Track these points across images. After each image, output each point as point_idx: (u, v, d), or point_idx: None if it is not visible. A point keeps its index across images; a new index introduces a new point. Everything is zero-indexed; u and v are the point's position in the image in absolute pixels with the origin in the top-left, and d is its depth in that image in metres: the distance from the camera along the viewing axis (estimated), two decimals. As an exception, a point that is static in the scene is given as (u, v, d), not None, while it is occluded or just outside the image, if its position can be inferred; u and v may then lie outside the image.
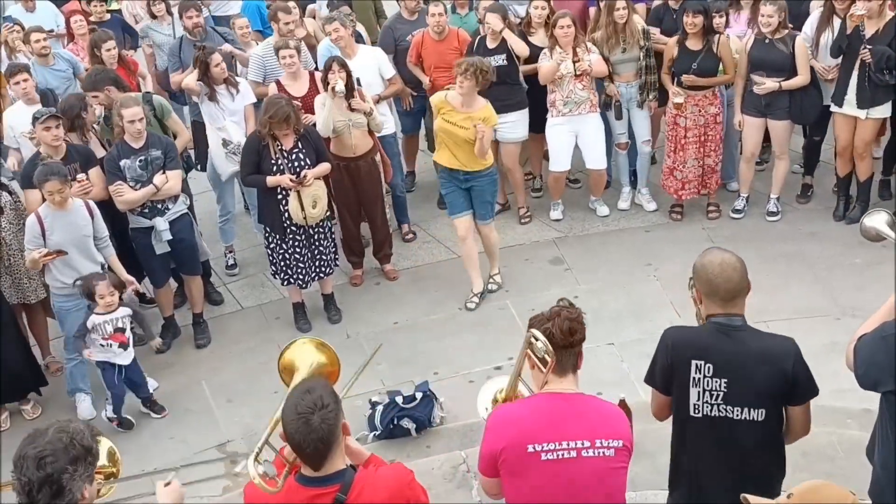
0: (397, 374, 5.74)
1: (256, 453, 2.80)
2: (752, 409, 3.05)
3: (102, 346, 5.31)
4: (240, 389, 5.82)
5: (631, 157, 7.46)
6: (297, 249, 6.14)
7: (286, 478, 2.66)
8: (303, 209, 5.95)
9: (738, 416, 3.06)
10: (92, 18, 8.41)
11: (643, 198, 7.50)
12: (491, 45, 6.96)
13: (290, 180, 5.86)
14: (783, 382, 3.03)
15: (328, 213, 6.21)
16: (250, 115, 6.79)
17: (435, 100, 6.23)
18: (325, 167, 6.10)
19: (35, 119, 5.74)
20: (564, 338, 2.83)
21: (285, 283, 6.32)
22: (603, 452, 2.80)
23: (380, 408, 5.27)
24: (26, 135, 6.16)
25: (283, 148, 5.95)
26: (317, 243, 6.18)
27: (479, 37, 7.05)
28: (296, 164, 5.96)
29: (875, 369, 2.95)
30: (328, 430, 2.52)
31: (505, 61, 6.93)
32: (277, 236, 6.12)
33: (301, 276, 6.22)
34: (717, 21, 6.85)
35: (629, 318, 6.13)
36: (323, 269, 6.27)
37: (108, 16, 8.62)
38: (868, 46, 6.27)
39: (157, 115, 6.33)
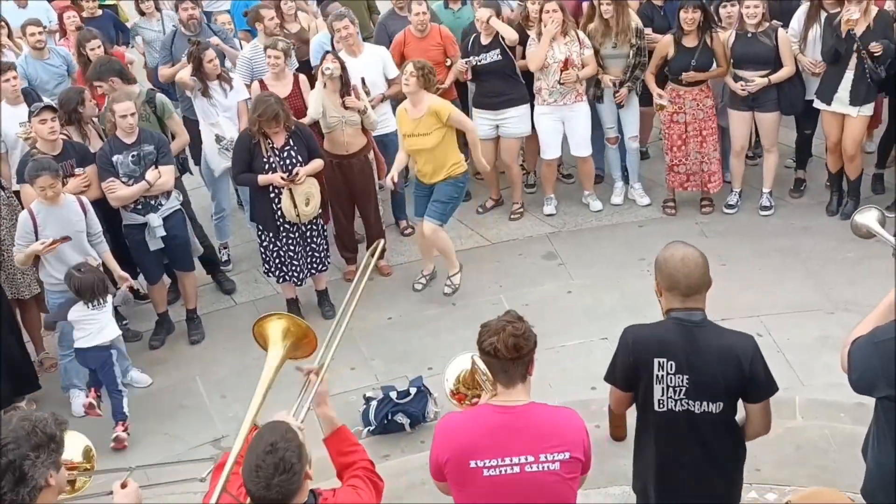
0: (391, 370, 5.74)
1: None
2: (710, 403, 3.09)
3: (87, 327, 5.24)
4: (234, 385, 5.81)
5: (622, 151, 7.47)
6: (291, 247, 6.13)
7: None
8: (295, 207, 5.94)
9: (698, 409, 3.10)
10: (84, 14, 8.37)
11: (636, 192, 7.51)
12: (485, 41, 6.96)
13: (282, 178, 5.85)
14: (740, 379, 3.06)
15: (321, 211, 6.20)
16: (244, 111, 6.77)
17: (398, 116, 6.24)
18: (317, 164, 6.09)
19: (31, 113, 5.72)
20: (509, 353, 2.78)
21: (280, 280, 6.32)
22: (547, 467, 2.78)
23: (374, 403, 5.28)
24: (20, 135, 6.14)
25: (275, 146, 5.93)
26: (309, 240, 6.17)
27: (472, 35, 7.04)
28: (287, 161, 5.95)
29: (870, 374, 2.97)
30: (288, 492, 2.47)
31: (500, 56, 6.93)
32: (270, 234, 6.11)
33: (295, 273, 6.21)
34: (730, 10, 6.84)
35: (622, 312, 6.12)
36: (316, 265, 6.26)
37: (99, 12, 8.58)
38: (875, 42, 6.21)
39: (157, 114, 6.30)
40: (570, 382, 5.43)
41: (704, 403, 3.08)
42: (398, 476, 4.79)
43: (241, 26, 8.25)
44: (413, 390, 5.30)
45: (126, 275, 5.66)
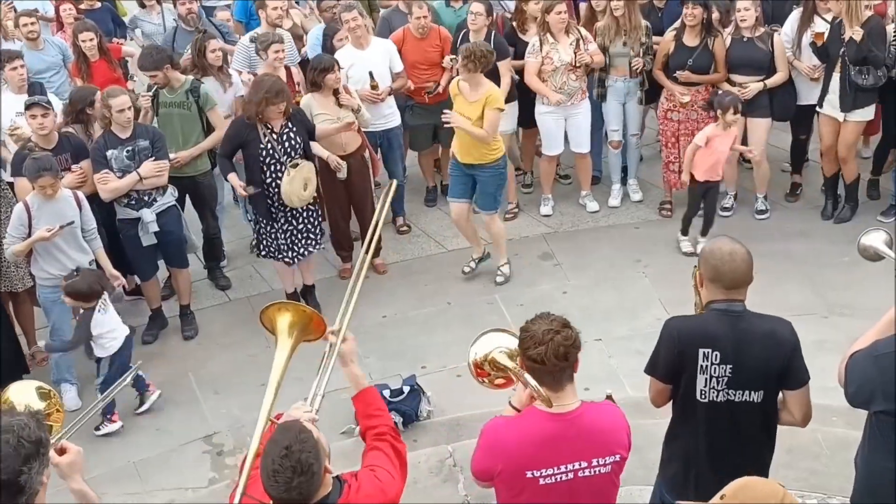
0: (385, 368, 5.73)
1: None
2: (752, 392, 3.13)
3: (109, 334, 5.25)
4: (227, 381, 5.80)
5: (623, 153, 7.48)
6: (284, 227, 6.10)
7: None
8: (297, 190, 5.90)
9: (739, 398, 3.13)
10: (82, 6, 8.35)
11: (631, 188, 7.54)
12: (473, 38, 6.95)
13: (243, 189, 5.91)
14: (783, 363, 3.11)
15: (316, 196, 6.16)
16: (239, 107, 6.76)
17: (450, 87, 6.30)
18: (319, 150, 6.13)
19: (25, 106, 5.70)
20: (559, 362, 2.76)
21: (276, 258, 6.23)
22: (599, 471, 2.82)
23: (367, 401, 5.27)
24: (7, 131, 6.10)
25: (273, 130, 5.91)
26: (304, 220, 6.13)
27: (462, 31, 7.04)
28: (287, 145, 5.92)
29: (868, 387, 2.98)
30: (308, 492, 2.50)
31: None
32: (263, 220, 6.10)
33: (287, 253, 6.16)
34: (717, 16, 6.86)
35: (618, 314, 6.14)
36: (309, 245, 6.19)
37: (98, 4, 8.56)
38: (858, 32, 6.20)
39: (199, 104, 6.26)
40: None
41: (746, 393, 3.12)
42: (390, 474, 4.77)
43: (238, 17, 8.23)
44: (406, 389, 5.29)
45: (117, 273, 5.63)
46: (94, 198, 5.71)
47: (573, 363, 2.82)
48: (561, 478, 2.80)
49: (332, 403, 5.52)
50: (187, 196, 6.47)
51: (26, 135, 5.81)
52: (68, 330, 5.65)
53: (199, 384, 5.83)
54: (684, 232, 6.74)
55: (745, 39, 6.72)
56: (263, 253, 6.27)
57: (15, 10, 7.96)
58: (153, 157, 5.80)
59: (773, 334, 3.12)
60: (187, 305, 6.36)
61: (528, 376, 2.84)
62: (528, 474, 2.79)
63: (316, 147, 6.15)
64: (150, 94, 6.30)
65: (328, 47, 7.13)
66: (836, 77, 6.48)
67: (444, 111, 6.15)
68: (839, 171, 6.90)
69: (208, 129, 6.36)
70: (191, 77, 6.42)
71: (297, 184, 5.87)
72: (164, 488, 5.02)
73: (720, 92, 6.71)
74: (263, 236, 6.17)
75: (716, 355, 3.10)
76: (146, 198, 5.86)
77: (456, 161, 6.32)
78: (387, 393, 5.25)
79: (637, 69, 6.93)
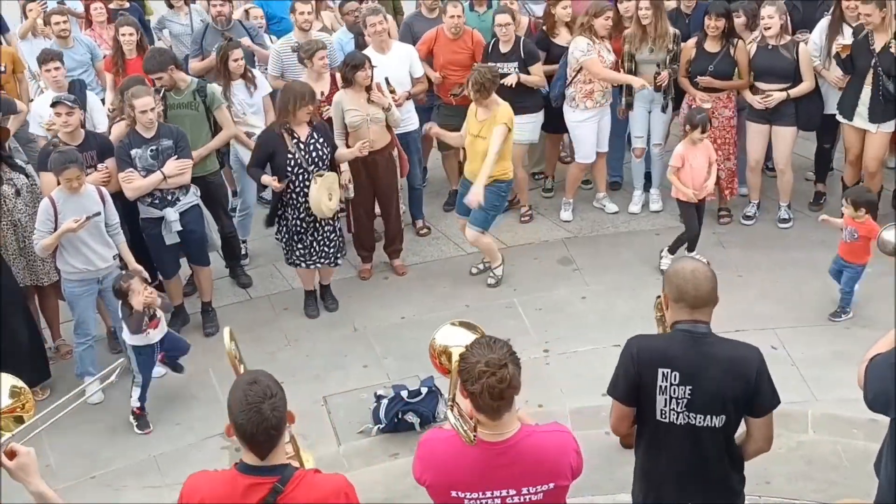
0: (403, 369, 5.75)
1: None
2: (713, 417, 3.04)
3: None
4: (246, 378, 5.84)
5: (646, 160, 7.47)
6: (311, 237, 6.19)
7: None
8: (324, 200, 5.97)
9: (700, 422, 3.05)
10: (112, 6, 8.44)
11: (651, 197, 7.53)
12: (504, 49, 6.98)
13: (277, 184, 5.94)
14: (745, 390, 3.01)
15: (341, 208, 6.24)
16: (269, 107, 6.83)
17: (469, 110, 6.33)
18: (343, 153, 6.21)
19: (51, 104, 5.79)
20: (493, 402, 2.64)
21: (293, 264, 6.35)
22: (529, 498, 2.76)
23: (385, 401, 5.30)
24: (42, 125, 6.22)
25: (300, 139, 5.98)
26: (324, 233, 6.20)
27: (491, 41, 7.06)
28: (314, 154, 6.00)
29: (885, 395, 2.95)
30: (279, 418, 2.58)
31: (517, 69, 6.94)
32: (291, 233, 6.20)
33: (304, 260, 6.27)
34: (738, 22, 6.85)
35: (636, 321, 6.09)
36: (328, 259, 6.28)
37: (126, 3, 8.65)
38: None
39: (206, 103, 6.31)
40: (582, 388, 5.43)
41: (707, 417, 3.04)
42: (406, 475, 4.75)
43: (271, 29, 8.28)
44: (424, 390, 5.32)
45: (140, 267, 5.70)
46: (117, 196, 5.78)
47: (510, 400, 2.70)
48: (486, 503, 2.76)
49: (349, 403, 5.61)
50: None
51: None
52: (92, 324, 5.73)
53: (220, 380, 5.87)
54: (672, 251, 6.61)
55: (769, 47, 6.70)
56: (291, 261, 6.36)
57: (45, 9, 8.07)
58: (176, 157, 5.87)
59: (736, 360, 3.02)
60: (209, 302, 6.43)
61: (452, 414, 2.78)
62: (454, 493, 2.76)
63: (338, 153, 6.22)
64: (160, 96, 6.35)
65: (361, 45, 7.17)
66: (867, 89, 6.41)
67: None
68: (860, 181, 6.85)
69: (215, 128, 6.40)
70: (195, 78, 6.48)
71: (323, 193, 5.94)
72: (184, 482, 5.07)
73: (692, 107, 6.72)
74: (294, 248, 6.25)
75: (675, 375, 3.02)
76: (169, 197, 5.92)
77: (467, 182, 6.37)
78: (404, 394, 5.28)
79: (661, 84, 6.92)
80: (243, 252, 7.22)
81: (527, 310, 6.27)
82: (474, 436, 2.72)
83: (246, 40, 7.32)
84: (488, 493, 2.75)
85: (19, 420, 2.87)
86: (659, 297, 3.22)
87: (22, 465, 2.59)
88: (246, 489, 2.61)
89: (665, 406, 3.07)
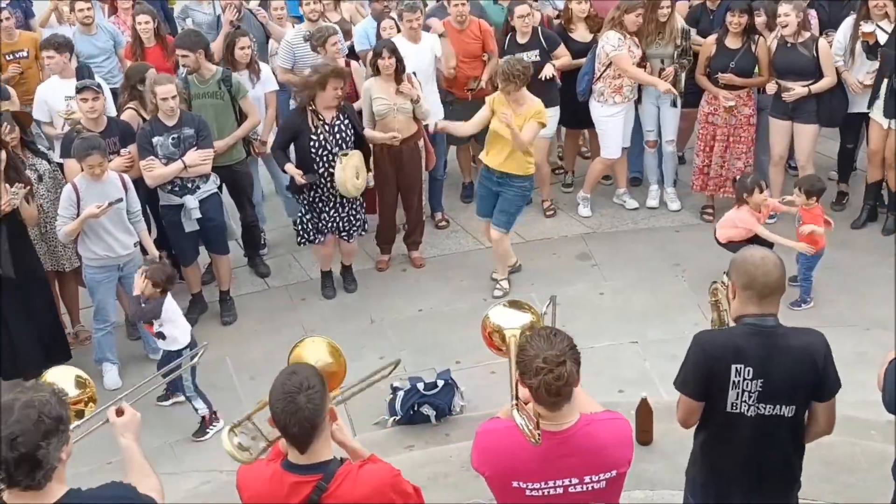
0: (419, 361, 5.76)
1: (233, 425, 2.88)
2: (783, 406, 3.07)
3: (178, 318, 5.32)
4: (263, 367, 5.86)
5: (659, 155, 7.43)
6: (331, 213, 6.25)
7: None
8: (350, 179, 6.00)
9: (769, 412, 3.08)
10: (134, -5, 8.47)
11: (668, 197, 7.48)
12: (522, 40, 6.94)
13: (302, 176, 5.95)
14: (814, 377, 3.05)
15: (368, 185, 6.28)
16: (271, 101, 6.84)
17: (492, 98, 6.17)
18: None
19: (77, 90, 5.82)
20: (550, 398, 2.62)
21: (314, 241, 6.35)
22: (592, 486, 2.75)
23: (401, 393, 5.30)
24: (61, 114, 6.24)
25: (325, 120, 6.00)
26: (347, 210, 6.26)
27: (509, 34, 7.02)
28: (338, 136, 6.03)
29: None
30: (314, 409, 2.53)
31: (538, 57, 6.90)
32: (310, 207, 6.25)
33: (324, 233, 6.30)
34: (759, 21, 6.79)
35: (654, 317, 6.09)
36: (353, 229, 6.33)
37: (148, -8, 8.67)
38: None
39: (231, 93, 6.34)
40: (599, 384, 5.38)
41: (777, 407, 3.07)
42: (421, 467, 4.81)
43: (292, 12, 8.30)
44: (440, 383, 5.31)
45: (158, 252, 5.72)
46: (138, 183, 5.81)
47: (567, 395, 2.68)
48: (549, 492, 2.74)
49: (365, 394, 5.60)
50: (224, 185, 6.54)
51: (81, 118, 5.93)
52: (112, 310, 5.78)
53: (236, 369, 5.92)
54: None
55: (788, 45, 6.63)
56: (302, 241, 6.37)
57: None
58: (197, 146, 5.89)
59: (804, 348, 3.06)
60: (227, 291, 6.46)
61: (518, 415, 2.72)
62: (514, 484, 2.74)
63: (369, 132, 6.28)
64: (182, 80, 6.36)
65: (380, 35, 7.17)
66: (885, 83, 6.37)
67: (503, 112, 5.96)
68: (882, 179, 6.78)
69: (241, 117, 6.42)
70: (221, 67, 6.49)
71: (350, 172, 5.96)
72: (199, 469, 5.11)
73: (738, 178, 6.52)
74: (307, 223, 6.25)
75: (748, 371, 3.04)
76: (189, 185, 5.96)
77: (485, 173, 6.27)
78: (420, 386, 5.28)
79: (667, 79, 6.87)
80: (262, 242, 7.26)
81: (544, 304, 6.23)
82: (539, 434, 2.68)
83: (262, 13, 7.34)
84: (550, 483, 2.73)
85: (79, 414, 2.96)
86: (714, 283, 3.24)
87: (125, 423, 2.80)
88: (290, 488, 2.60)
89: (737, 399, 3.09)
